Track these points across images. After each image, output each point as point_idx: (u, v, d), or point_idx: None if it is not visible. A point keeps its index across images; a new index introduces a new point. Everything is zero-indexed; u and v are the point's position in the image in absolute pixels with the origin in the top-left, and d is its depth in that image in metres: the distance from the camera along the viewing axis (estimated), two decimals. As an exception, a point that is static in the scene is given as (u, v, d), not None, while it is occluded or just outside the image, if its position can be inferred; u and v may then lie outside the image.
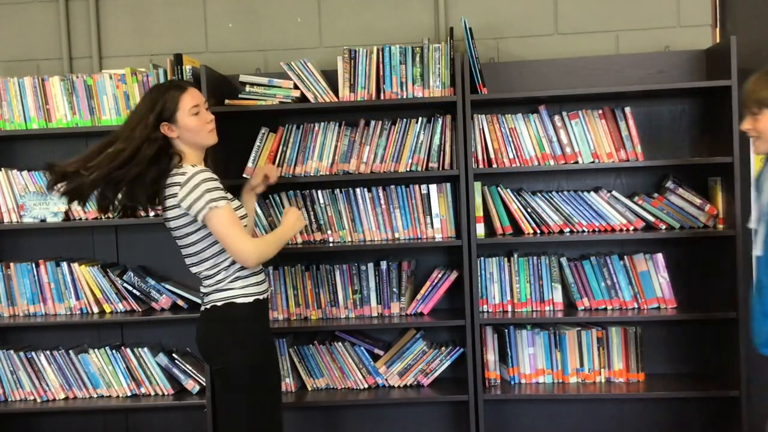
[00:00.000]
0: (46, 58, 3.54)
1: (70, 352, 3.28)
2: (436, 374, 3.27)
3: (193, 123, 2.44)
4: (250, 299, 2.49)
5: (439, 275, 3.24)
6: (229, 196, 2.48)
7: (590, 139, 3.16)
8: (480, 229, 3.16)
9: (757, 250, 2.35)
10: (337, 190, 3.26)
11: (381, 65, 3.16)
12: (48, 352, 3.29)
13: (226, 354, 2.49)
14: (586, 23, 3.39)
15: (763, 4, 3.30)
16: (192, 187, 2.37)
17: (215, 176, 2.44)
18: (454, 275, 3.22)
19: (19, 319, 3.30)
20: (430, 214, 3.23)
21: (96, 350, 3.28)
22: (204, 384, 3.23)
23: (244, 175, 3.17)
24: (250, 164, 3.18)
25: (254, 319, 2.51)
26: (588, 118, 3.17)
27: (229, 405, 2.54)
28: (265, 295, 2.55)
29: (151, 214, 2.98)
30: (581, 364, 3.25)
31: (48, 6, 3.53)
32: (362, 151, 3.21)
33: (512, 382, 3.26)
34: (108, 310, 3.31)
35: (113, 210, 2.52)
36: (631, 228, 3.17)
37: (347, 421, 3.46)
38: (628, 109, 3.16)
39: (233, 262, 2.46)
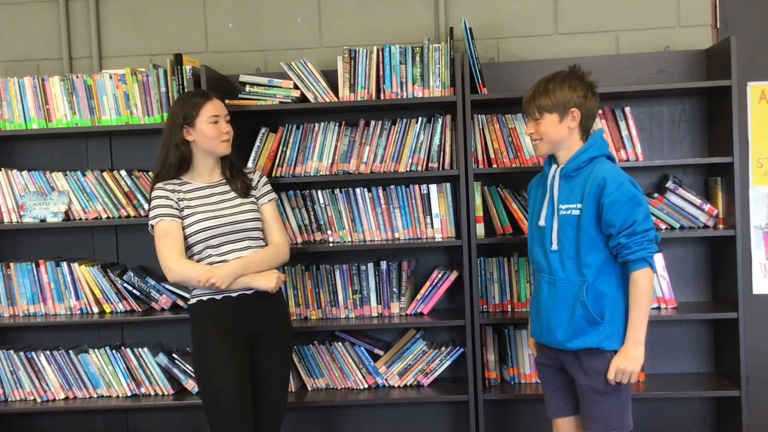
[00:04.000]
0: (46, 58, 3.53)
1: (70, 352, 3.28)
2: (436, 374, 3.26)
3: (209, 130, 2.60)
4: (205, 298, 2.57)
5: (439, 275, 3.23)
6: (170, 211, 2.55)
7: (590, 139, 3.15)
8: (480, 229, 3.16)
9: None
10: (337, 190, 3.25)
11: (381, 65, 3.16)
12: (48, 352, 3.29)
13: (193, 352, 2.63)
14: (586, 23, 3.38)
15: (763, 4, 3.31)
16: (149, 200, 2.63)
17: (166, 191, 2.58)
18: (454, 275, 3.22)
19: (19, 319, 3.30)
20: (430, 214, 3.22)
21: (96, 350, 3.28)
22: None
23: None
24: (250, 164, 3.18)
25: (208, 319, 2.55)
26: (588, 118, 3.16)
27: None
28: (221, 296, 2.57)
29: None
30: (581, 364, 3.24)
31: (48, 6, 3.53)
32: (362, 151, 3.21)
33: (512, 382, 3.26)
34: (108, 310, 3.30)
35: None
36: (631, 228, 3.16)
37: (347, 421, 3.47)
38: (628, 109, 3.16)
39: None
